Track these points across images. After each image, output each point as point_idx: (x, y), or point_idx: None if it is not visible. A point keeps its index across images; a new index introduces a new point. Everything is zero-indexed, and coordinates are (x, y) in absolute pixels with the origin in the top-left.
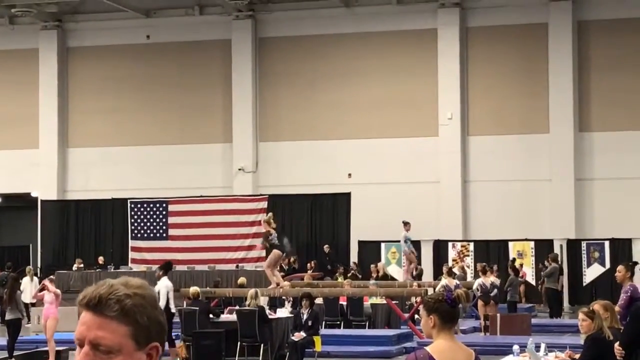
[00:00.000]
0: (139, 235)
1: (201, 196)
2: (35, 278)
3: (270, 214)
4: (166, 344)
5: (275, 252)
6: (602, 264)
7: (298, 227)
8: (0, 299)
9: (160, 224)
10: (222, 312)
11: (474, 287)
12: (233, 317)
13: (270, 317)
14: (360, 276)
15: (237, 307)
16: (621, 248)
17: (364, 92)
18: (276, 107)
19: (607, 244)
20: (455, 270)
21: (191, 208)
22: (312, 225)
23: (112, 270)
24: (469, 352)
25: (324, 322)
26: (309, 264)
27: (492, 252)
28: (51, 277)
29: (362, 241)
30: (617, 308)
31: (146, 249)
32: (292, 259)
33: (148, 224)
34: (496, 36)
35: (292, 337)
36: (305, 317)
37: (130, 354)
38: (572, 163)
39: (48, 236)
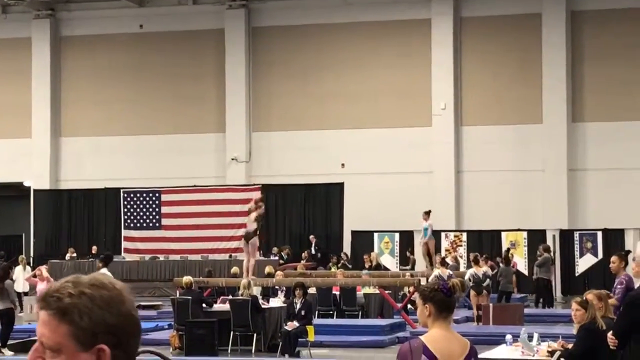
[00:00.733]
0: (132, 224)
1: (194, 186)
2: (28, 267)
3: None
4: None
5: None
6: (595, 254)
7: (291, 217)
8: None
9: (153, 213)
10: (215, 302)
11: (466, 277)
12: (226, 306)
13: (263, 306)
14: (350, 266)
15: (230, 297)
16: (614, 238)
17: (357, 82)
18: (270, 97)
19: (599, 234)
20: (448, 260)
21: (184, 198)
22: (305, 215)
23: None
24: (464, 341)
25: (317, 312)
26: (302, 254)
27: (485, 242)
28: (45, 266)
29: (355, 231)
30: (614, 300)
31: (139, 238)
32: (285, 250)
33: (141, 213)
34: (490, 26)
35: (285, 327)
36: (298, 306)
37: (72, 354)
38: (565, 153)
39: (41, 226)
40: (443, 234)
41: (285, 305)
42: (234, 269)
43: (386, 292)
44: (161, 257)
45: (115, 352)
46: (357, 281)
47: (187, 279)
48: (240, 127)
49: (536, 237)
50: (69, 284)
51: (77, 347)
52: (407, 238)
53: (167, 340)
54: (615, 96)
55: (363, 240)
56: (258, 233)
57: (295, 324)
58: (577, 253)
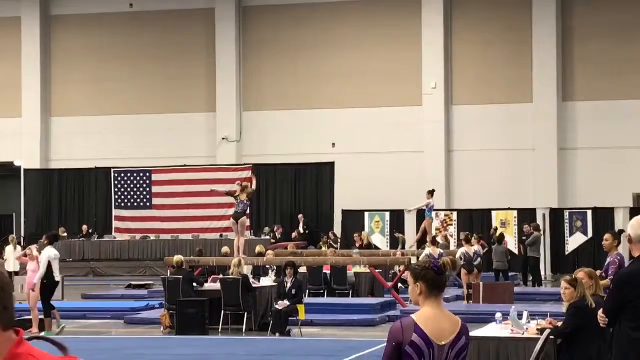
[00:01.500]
0: (122, 204)
1: (185, 165)
2: (18, 247)
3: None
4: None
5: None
6: (585, 233)
7: (282, 196)
8: None
9: (144, 193)
10: (206, 281)
11: (457, 256)
12: (217, 285)
13: (254, 285)
14: (336, 246)
15: (220, 276)
16: (603, 217)
17: (348, 61)
18: (260, 76)
19: (589, 213)
20: (439, 239)
21: (175, 177)
22: (296, 195)
23: (95, 239)
24: (455, 319)
25: (307, 291)
26: (293, 234)
27: (476, 222)
28: (36, 245)
29: (346, 210)
30: (607, 282)
31: (130, 218)
32: (275, 228)
33: (132, 193)
34: (480, 5)
35: (276, 306)
36: (289, 285)
37: None
38: (556, 132)
39: (31, 205)
40: (434, 213)
41: (276, 284)
42: (225, 249)
43: (377, 271)
44: (152, 237)
45: None
46: (348, 260)
47: (178, 258)
48: (230, 106)
49: (526, 216)
50: None
51: None
52: (397, 217)
53: (157, 320)
54: (606, 75)
55: (354, 219)
56: (247, 212)
57: (286, 303)
58: (567, 232)
